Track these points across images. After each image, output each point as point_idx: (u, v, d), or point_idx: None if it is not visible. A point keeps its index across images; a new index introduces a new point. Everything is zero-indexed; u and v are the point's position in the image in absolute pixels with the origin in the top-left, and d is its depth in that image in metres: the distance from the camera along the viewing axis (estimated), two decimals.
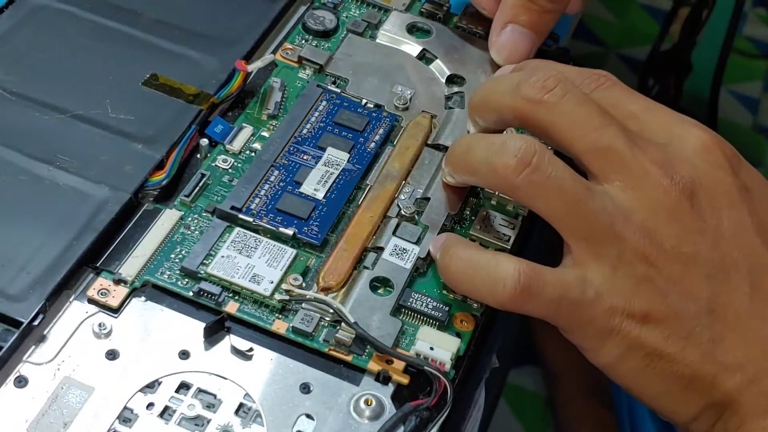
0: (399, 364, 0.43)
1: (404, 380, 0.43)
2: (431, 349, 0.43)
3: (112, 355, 0.42)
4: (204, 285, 0.44)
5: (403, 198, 0.49)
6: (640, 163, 0.42)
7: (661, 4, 1.30)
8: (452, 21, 0.59)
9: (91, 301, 0.44)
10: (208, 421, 0.41)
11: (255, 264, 0.45)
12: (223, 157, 0.50)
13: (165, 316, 0.44)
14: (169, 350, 0.43)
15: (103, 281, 0.44)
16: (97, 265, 0.45)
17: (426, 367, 0.42)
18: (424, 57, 0.56)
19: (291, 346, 0.44)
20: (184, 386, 0.42)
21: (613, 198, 0.42)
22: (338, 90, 0.54)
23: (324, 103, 0.53)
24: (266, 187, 0.48)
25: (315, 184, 0.49)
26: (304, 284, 0.45)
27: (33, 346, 0.42)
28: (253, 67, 0.52)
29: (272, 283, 0.45)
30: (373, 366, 0.43)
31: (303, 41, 0.56)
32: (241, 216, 0.47)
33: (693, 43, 1.09)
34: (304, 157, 0.50)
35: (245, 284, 0.44)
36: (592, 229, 0.41)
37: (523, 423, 1.06)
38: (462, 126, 0.52)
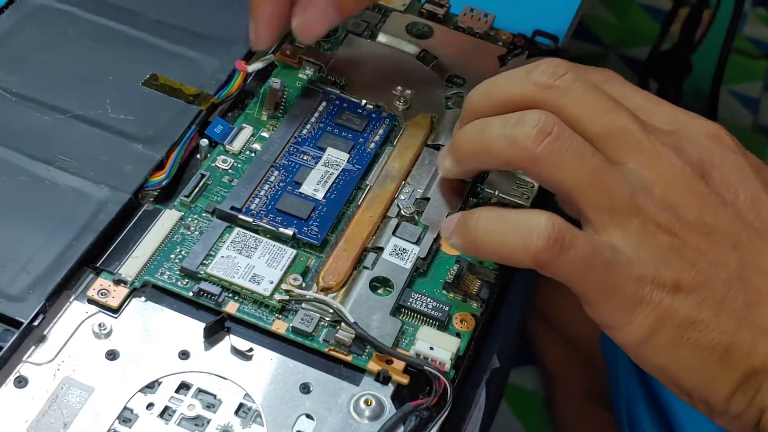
0: (399, 364, 0.43)
1: (404, 380, 0.43)
2: (431, 349, 0.43)
3: (112, 355, 0.42)
4: (204, 285, 0.44)
5: (402, 198, 0.49)
6: (653, 144, 0.42)
7: (661, 4, 1.30)
8: (452, 21, 0.59)
9: (91, 301, 0.44)
10: (208, 421, 0.41)
11: (255, 264, 0.45)
12: (223, 157, 0.50)
13: (165, 317, 0.44)
14: (169, 350, 0.43)
15: (103, 281, 0.44)
16: (97, 265, 0.45)
17: (426, 367, 0.42)
18: (424, 57, 0.56)
19: (291, 346, 0.44)
20: (184, 386, 0.42)
21: (631, 174, 0.41)
22: (338, 90, 0.54)
23: (324, 103, 0.53)
24: (266, 187, 0.48)
25: (315, 185, 0.49)
26: (303, 284, 0.45)
27: (33, 346, 0.42)
28: (253, 68, 0.52)
29: (272, 283, 0.45)
30: (373, 366, 0.43)
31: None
32: (240, 216, 0.47)
33: (693, 43, 1.09)
34: (304, 158, 0.50)
35: (245, 284, 0.44)
36: (614, 201, 0.41)
37: (523, 423, 1.06)
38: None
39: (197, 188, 0.48)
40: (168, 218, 0.47)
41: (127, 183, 0.47)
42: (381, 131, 0.52)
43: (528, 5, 0.62)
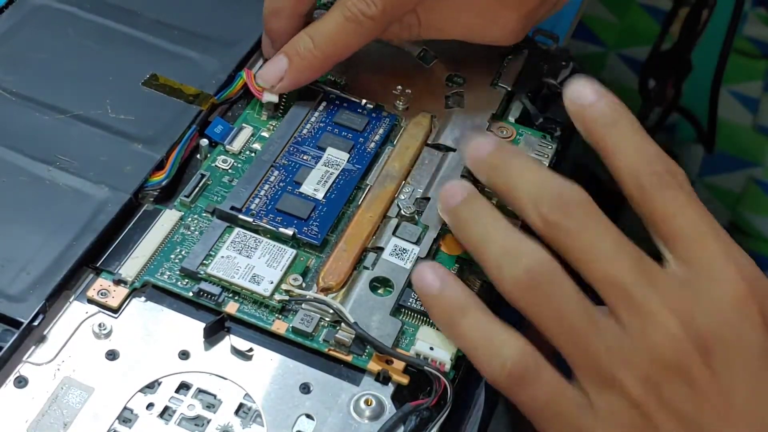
0: (399, 364, 0.43)
1: (404, 380, 0.43)
2: (431, 349, 0.43)
3: (112, 355, 0.42)
4: (204, 285, 0.44)
5: (403, 198, 0.49)
6: (651, 304, 0.38)
7: (661, 4, 1.30)
8: None
9: (91, 301, 0.44)
10: (208, 422, 0.41)
11: (255, 264, 0.45)
12: (223, 157, 0.50)
13: (165, 317, 0.44)
14: (169, 350, 0.43)
15: (103, 282, 0.44)
16: (97, 265, 0.45)
17: (426, 367, 0.42)
18: (424, 56, 0.56)
19: (291, 346, 0.44)
20: (184, 386, 0.42)
21: (618, 338, 0.38)
22: (338, 90, 0.54)
23: (324, 103, 0.53)
24: (266, 187, 0.48)
25: (315, 185, 0.49)
26: (304, 284, 0.45)
27: (33, 347, 0.42)
28: (267, 98, 0.51)
29: (272, 283, 0.45)
30: (373, 366, 0.43)
31: None
32: (240, 216, 0.47)
33: (693, 43, 1.09)
34: (304, 158, 0.50)
35: (245, 284, 0.44)
36: (591, 366, 0.39)
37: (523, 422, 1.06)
38: (462, 126, 0.52)
39: (197, 188, 0.48)
40: (168, 218, 0.47)
41: (127, 183, 0.47)
42: (381, 131, 0.52)
43: None
